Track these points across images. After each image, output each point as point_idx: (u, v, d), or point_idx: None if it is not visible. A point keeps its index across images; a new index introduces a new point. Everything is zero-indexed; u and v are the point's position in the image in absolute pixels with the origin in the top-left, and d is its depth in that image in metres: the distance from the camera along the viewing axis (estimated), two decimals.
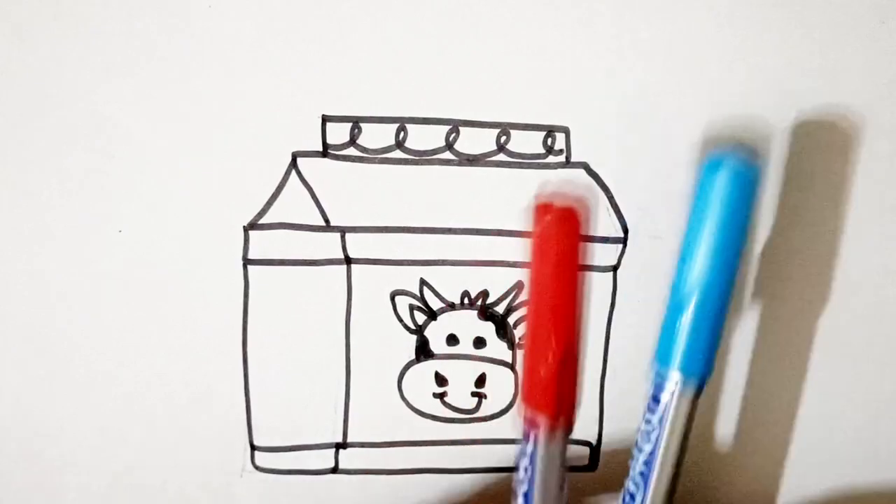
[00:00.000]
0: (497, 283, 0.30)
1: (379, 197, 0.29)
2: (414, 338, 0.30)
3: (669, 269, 0.29)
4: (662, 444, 0.25)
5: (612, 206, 0.29)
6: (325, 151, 0.28)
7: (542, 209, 0.23)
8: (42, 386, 0.30)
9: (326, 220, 0.29)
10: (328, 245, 0.29)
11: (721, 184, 0.23)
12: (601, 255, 0.29)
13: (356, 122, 0.28)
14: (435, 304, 0.30)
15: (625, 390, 0.31)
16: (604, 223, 0.29)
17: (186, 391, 0.30)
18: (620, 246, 0.29)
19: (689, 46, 0.27)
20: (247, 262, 0.29)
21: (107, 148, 0.28)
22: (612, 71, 0.27)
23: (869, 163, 0.28)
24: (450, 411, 0.31)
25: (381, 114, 0.28)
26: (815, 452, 0.32)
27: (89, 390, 0.30)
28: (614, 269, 0.29)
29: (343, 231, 0.29)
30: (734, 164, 0.23)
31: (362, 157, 0.28)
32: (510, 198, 0.29)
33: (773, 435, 0.31)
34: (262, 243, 0.29)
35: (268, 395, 0.30)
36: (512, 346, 0.30)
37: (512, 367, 0.31)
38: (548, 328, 0.23)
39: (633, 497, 0.26)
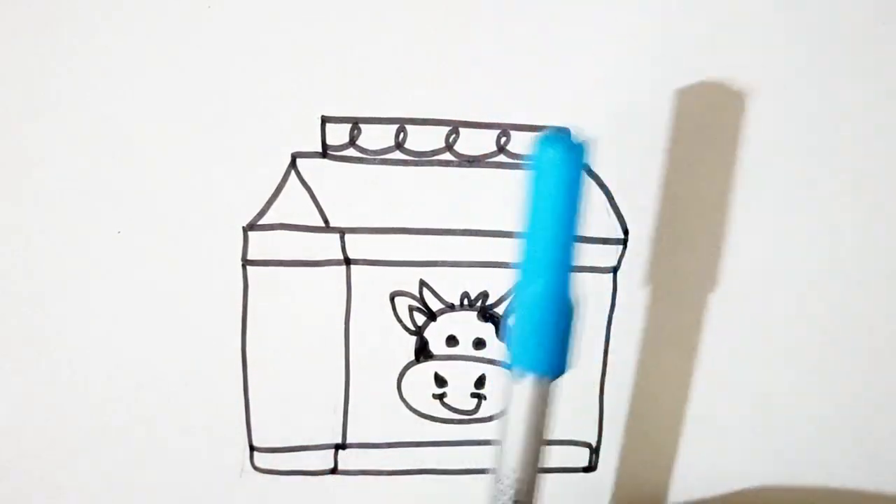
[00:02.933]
0: (497, 284, 0.30)
1: (378, 198, 0.28)
2: (413, 339, 0.30)
3: (670, 269, 0.29)
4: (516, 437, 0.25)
5: (612, 207, 0.29)
6: (325, 152, 0.28)
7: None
8: (42, 386, 0.30)
9: (326, 221, 0.29)
10: (327, 246, 0.29)
11: (544, 163, 0.23)
12: (601, 256, 0.29)
13: (356, 123, 0.28)
14: (434, 305, 0.30)
15: (625, 391, 0.31)
16: (604, 224, 0.29)
17: (186, 391, 0.30)
18: (620, 247, 0.29)
19: (689, 49, 0.27)
20: (246, 262, 0.29)
21: (106, 148, 0.28)
22: (612, 72, 0.27)
23: (869, 161, 0.28)
24: (449, 412, 0.31)
25: (381, 115, 0.28)
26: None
27: (89, 390, 0.30)
28: (614, 270, 0.29)
29: (342, 232, 0.29)
30: (555, 142, 0.22)
31: (362, 157, 0.28)
32: (510, 199, 0.29)
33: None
34: (262, 244, 0.29)
35: (267, 396, 0.30)
36: None
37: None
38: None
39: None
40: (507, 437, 0.25)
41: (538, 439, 0.25)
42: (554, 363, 0.24)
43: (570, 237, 0.23)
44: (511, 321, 0.24)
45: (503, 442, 0.25)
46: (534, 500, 0.26)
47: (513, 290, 0.24)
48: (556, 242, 0.23)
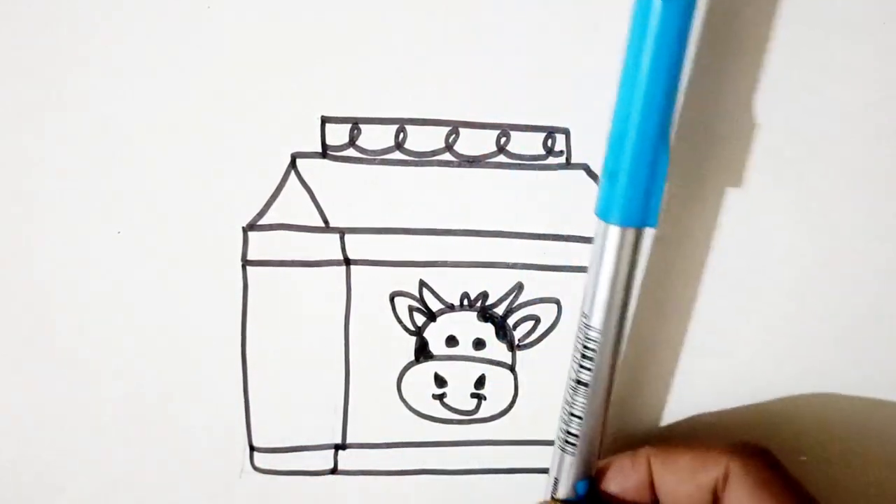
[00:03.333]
0: (496, 285, 0.30)
1: (378, 198, 0.28)
2: (413, 339, 0.30)
3: (671, 269, 0.29)
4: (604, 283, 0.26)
5: None
6: (325, 152, 0.28)
7: None
8: (41, 386, 0.30)
9: (326, 222, 0.29)
10: (327, 246, 0.29)
11: (654, 10, 0.23)
12: None
13: (355, 124, 0.28)
14: (434, 305, 0.30)
15: (625, 391, 0.31)
16: None
17: (186, 392, 0.30)
18: None
19: (689, 48, 0.27)
20: (246, 262, 0.29)
21: (106, 148, 0.28)
22: (613, 72, 0.27)
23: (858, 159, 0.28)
24: (449, 412, 0.31)
25: (381, 115, 0.28)
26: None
27: (89, 391, 0.30)
28: None
29: (342, 232, 0.29)
30: None
31: (362, 158, 0.28)
32: (510, 199, 0.29)
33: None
34: (262, 244, 0.29)
35: (267, 396, 0.30)
36: (511, 347, 0.30)
37: (512, 368, 0.31)
38: None
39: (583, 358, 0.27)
40: (594, 287, 0.26)
41: (624, 289, 0.26)
42: (640, 214, 0.25)
43: (670, 87, 0.24)
44: (602, 169, 0.26)
45: (588, 291, 0.26)
46: (616, 350, 0.27)
47: (607, 141, 0.25)
48: (653, 93, 0.24)
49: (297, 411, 0.31)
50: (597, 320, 0.27)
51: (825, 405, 0.31)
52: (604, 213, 0.26)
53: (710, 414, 0.31)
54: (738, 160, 0.28)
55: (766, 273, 0.29)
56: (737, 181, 0.28)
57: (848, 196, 0.28)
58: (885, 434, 0.31)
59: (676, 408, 0.31)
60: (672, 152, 0.26)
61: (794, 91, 0.27)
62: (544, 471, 0.31)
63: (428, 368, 0.31)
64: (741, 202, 0.28)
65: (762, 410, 0.31)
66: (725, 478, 0.26)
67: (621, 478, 0.28)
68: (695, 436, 0.31)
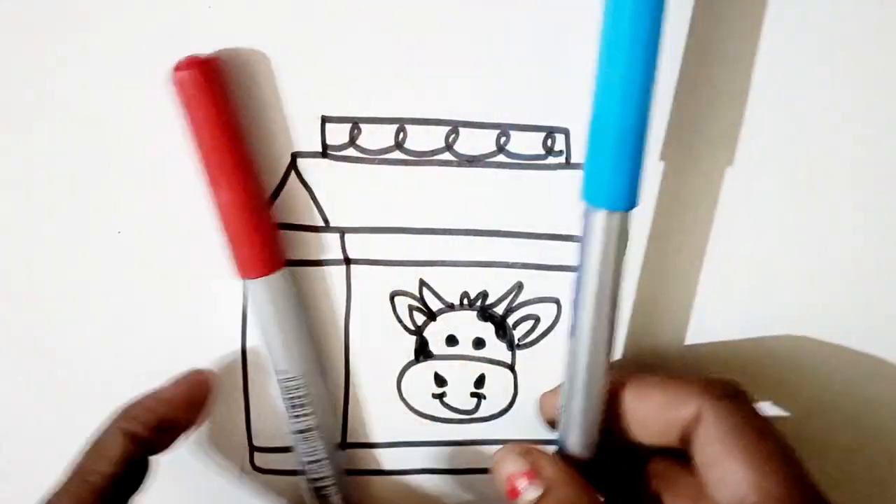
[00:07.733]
0: (496, 284, 0.30)
1: (378, 198, 0.28)
2: (413, 338, 0.30)
3: (670, 270, 0.29)
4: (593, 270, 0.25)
5: None
6: (325, 152, 0.28)
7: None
8: (41, 386, 0.30)
9: (326, 221, 0.29)
10: (328, 245, 0.29)
11: None
12: None
13: (356, 123, 0.28)
14: (434, 304, 0.30)
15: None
16: None
17: None
18: None
19: (689, 47, 0.27)
20: None
21: (107, 148, 0.28)
22: None
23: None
24: (449, 412, 0.31)
25: (381, 114, 0.28)
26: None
27: (89, 390, 0.30)
28: None
29: (342, 231, 0.29)
30: None
31: (362, 157, 0.28)
32: (510, 199, 0.29)
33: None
34: None
35: (267, 396, 0.31)
36: (511, 346, 0.30)
37: (511, 367, 0.31)
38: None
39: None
40: (583, 272, 0.26)
41: (615, 272, 0.25)
42: (626, 196, 0.25)
43: (649, 66, 0.23)
44: (585, 153, 0.25)
45: (579, 276, 0.26)
46: (611, 338, 0.26)
47: (590, 124, 0.25)
48: (631, 73, 0.23)
49: None
50: (588, 309, 0.26)
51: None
52: (594, 198, 0.25)
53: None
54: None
55: None
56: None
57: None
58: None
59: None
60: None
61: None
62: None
63: (428, 368, 0.31)
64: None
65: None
66: (697, 419, 0.25)
67: None
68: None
